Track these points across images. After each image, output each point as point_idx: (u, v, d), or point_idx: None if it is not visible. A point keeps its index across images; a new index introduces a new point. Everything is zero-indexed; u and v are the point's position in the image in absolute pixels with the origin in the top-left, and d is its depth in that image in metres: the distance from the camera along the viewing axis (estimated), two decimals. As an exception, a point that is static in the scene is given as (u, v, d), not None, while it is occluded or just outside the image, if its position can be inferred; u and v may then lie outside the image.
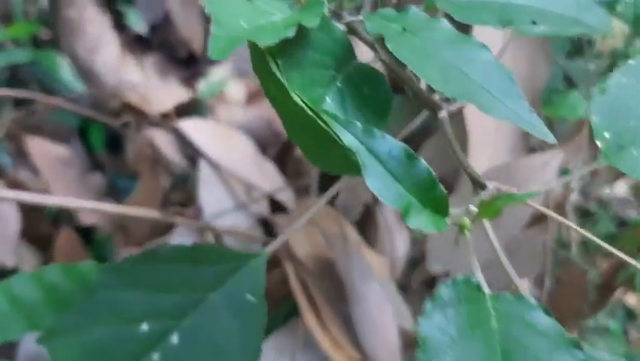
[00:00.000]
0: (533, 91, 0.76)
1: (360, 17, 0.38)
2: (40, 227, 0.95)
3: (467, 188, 0.43)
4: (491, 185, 0.40)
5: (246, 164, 0.90)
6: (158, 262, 0.49)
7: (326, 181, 0.85)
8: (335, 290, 0.79)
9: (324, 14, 0.33)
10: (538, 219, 0.73)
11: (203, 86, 1.11)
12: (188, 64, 1.18)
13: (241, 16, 0.32)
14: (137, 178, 0.99)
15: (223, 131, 0.94)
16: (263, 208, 0.88)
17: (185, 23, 1.17)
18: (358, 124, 0.33)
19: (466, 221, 0.34)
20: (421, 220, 0.32)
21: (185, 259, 0.49)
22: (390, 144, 0.33)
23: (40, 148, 0.89)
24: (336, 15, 0.39)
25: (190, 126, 0.91)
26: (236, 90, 1.15)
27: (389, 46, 0.33)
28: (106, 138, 1.06)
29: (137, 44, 1.14)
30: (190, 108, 1.08)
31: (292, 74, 0.33)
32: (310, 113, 0.32)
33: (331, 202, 0.82)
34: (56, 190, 0.90)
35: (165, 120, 0.97)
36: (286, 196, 0.91)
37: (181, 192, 0.98)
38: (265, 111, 1.07)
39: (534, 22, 0.37)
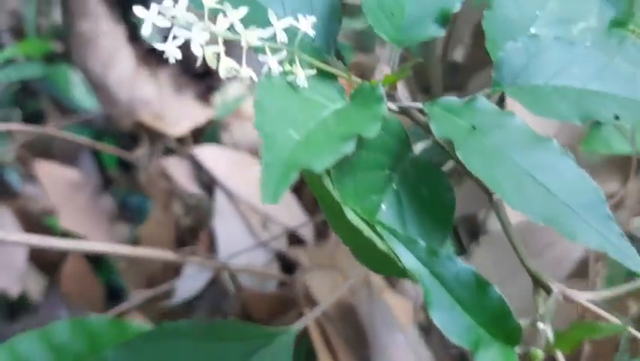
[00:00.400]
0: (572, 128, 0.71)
1: (419, 105, 0.33)
2: (48, 252, 0.91)
3: (524, 281, 0.38)
4: (556, 288, 0.35)
5: (263, 194, 0.85)
6: (178, 338, 0.45)
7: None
8: (355, 336, 0.75)
9: (384, 114, 0.28)
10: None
11: (219, 102, 1.06)
12: (203, 77, 1.13)
13: (289, 117, 0.27)
14: (149, 197, 0.95)
15: (240, 159, 0.89)
16: (280, 243, 0.83)
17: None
18: (421, 243, 0.28)
19: (539, 353, 0.29)
20: (491, 355, 0.28)
21: (208, 336, 0.45)
22: (458, 267, 0.28)
23: (49, 172, 0.84)
24: (389, 97, 0.34)
25: (206, 154, 0.86)
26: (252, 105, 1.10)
27: (458, 153, 0.28)
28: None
29: (151, 57, 1.09)
30: (206, 127, 1.03)
31: (345, 180, 0.29)
32: (367, 234, 0.27)
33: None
34: (65, 215, 0.86)
35: (181, 145, 0.92)
36: (305, 230, 0.87)
37: (194, 216, 0.93)
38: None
39: (617, 118, 0.33)
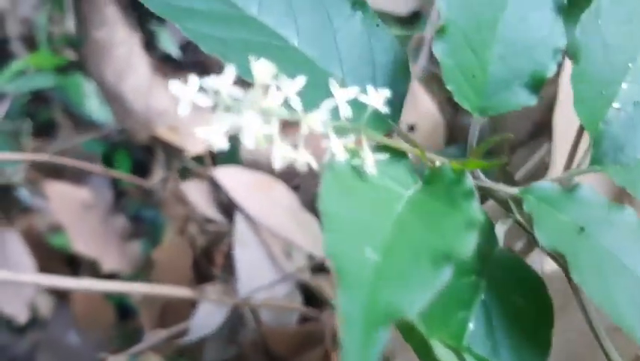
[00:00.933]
0: None
1: (512, 191, 0.26)
2: (58, 273, 0.85)
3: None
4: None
5: (285, 219, 0.79)
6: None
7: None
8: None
9: (480, 220, 0.22)
10: None
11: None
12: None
13: (361, 223, 0.21)
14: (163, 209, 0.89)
15: (262, 181, 0.83)
16: (303, 272, 0.77)
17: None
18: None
19: None
20: None
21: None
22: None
23: (59, 193, 0.78)
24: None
25: (226, 176, 0.80)
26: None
27: (574, 275, 0.22)
28: (132, 165, 0.96)
29: (167, 65, 1.03)
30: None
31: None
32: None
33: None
34: (77, 239, 0.80)
35: (199, 165, 0.86)
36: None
37: (212, 239, 0.87)
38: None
39: None
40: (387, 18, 1.06)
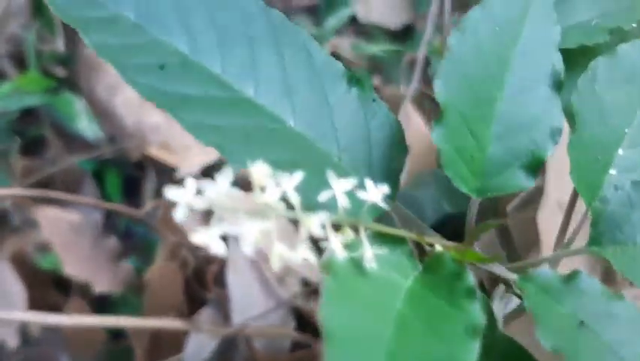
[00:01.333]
0: None
1: (512, 276, 0.26)
2: (48, 295, 0.85)
3: None
4: None
5: (279, 243, 0.79)
6: None
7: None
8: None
9: (482, 324, 0.22)
10: None
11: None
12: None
13: (363, 329, 0.21)
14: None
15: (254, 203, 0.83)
16: (297, 298, 0.77)
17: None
18: None
19: None
20: None
21: None
22: None
23: (50, 218, 0.78)
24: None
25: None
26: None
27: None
28: (123, 181, 0.96)
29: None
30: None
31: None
32: None
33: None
34: (69, 263, 0.80)
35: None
36: (320, 277, 0.80)
37: (205, 261, 0.87)
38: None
39: None
40: (379, 32, 1.06)
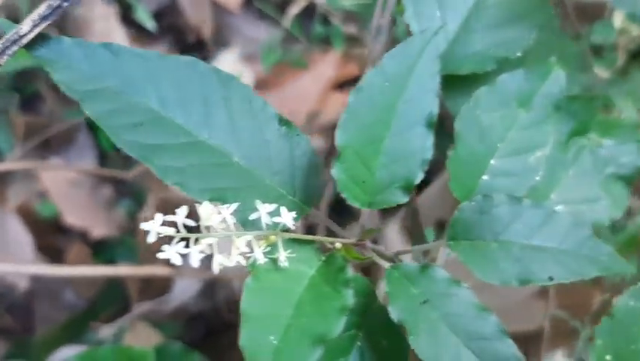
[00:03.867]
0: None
1: (386, 265, 0.40)
2: (52, 241, 0.99)
3: None
4: None
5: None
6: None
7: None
8: None
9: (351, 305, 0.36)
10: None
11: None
12: (195, 47, 1.17)
13: (271, 315, 0.35)
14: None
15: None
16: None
17: (192, 9, 1.16)
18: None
19: None
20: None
21: None
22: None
23: (52, 177, 0.91)
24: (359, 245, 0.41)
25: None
26: (245, 79, 1.15)
27: (411, 341, 0.36)
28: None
29: (145, 35, 1.13)
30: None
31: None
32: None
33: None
34: (68, 213, 0.94)
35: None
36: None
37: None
38: (273, 101, 1.08)
39: (551, 279, 0.40)
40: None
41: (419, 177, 0.41)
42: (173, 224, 0.35)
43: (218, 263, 0.36)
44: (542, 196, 0.49)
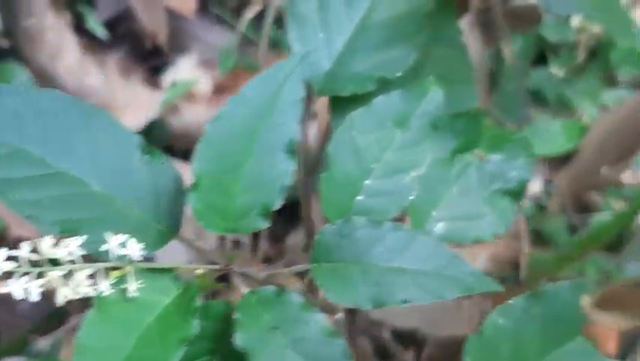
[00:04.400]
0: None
1: (245, 291, 0.41)
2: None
3: None
4: None
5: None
6: None
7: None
8: None
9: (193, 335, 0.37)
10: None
11: (169, 85, 1.12)
12: (151, 55, 1.18)
13: (109, 346, 0.36)
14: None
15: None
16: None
17: (147, 15, 1.17)
18: None
19: None
20: None
21: None
22: None
23: None
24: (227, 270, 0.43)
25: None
26: (203, 85, 1.16)
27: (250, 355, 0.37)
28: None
29: (98, 44, 1.14)
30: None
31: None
32: None
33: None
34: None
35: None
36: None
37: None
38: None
39: (405, 301, 0.41)
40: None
41: (278, 203, 0.42)
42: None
43: (63, 296, 0.37)
44: (423, 214, 0.50)
